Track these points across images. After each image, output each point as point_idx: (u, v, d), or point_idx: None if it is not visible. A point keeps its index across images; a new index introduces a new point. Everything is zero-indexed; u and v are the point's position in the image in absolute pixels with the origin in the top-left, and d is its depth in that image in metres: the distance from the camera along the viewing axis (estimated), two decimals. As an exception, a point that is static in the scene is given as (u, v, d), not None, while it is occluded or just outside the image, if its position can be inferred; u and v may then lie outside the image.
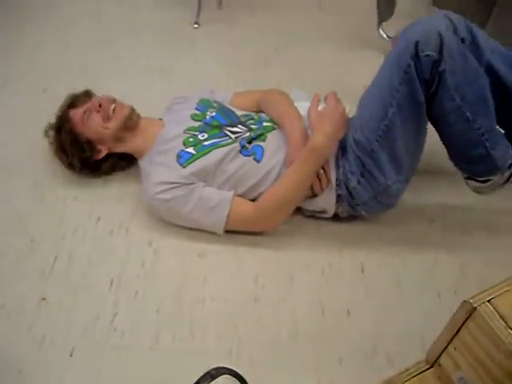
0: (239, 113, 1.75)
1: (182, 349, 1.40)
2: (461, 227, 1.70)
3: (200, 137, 1.63)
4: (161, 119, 1.78)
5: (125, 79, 2.21)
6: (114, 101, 1.70)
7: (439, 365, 1.07)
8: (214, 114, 1.70)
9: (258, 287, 1.53)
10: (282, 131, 1.63)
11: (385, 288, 1.54)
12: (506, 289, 0.90)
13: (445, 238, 1.66)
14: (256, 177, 1.59)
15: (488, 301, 0.89)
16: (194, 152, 1.59)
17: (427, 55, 1.33)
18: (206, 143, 1.61)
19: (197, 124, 1.67)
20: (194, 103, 1.76)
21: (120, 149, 1.72)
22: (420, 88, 1.37)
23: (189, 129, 1.65)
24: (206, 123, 1.67)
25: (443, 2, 2.53)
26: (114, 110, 1.67)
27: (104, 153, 1.71)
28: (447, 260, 1.60)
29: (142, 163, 1.69)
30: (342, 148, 1.56)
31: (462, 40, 1.47)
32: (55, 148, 1.73)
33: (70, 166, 1.73)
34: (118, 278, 1.54)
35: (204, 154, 1.58)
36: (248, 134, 1.64)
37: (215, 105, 1.75)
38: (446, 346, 1.02)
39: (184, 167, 1.57)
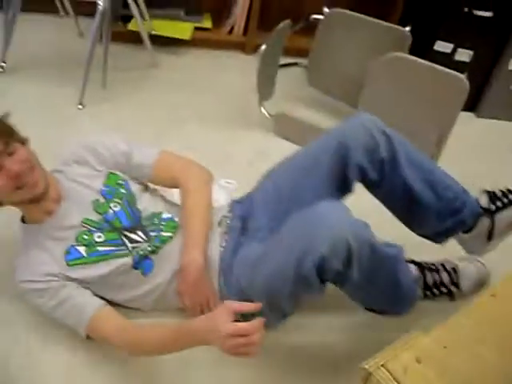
0: (144, 212, 1.55)
1: None
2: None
3: (96, 237, 1.45)
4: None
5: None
6: (32, 170, 1.38)
7: (340, 434, 1.08)
8: (117, 208, 1.50)
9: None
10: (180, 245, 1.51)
11: (279, 361, 1.54)
12: (397, 351, 0.94)
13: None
14: (138, 290, 1.50)
15: (382, 365, 0.92)
16: (84, 254, 1.43)
17: (332, 269, 1.23)
18: (100, 249, 1.45)
19: (97, 218, 1.48)
20: (102, 177, 1.53)
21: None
22: (319, 289, 1.31)
23: (87, 222, 1.47)
24: (106, 220, 1.49)
25: (319, 83, 2.74)
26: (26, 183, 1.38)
27: None
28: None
29: (28, 234, 1.49)
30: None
31: (381, 162, 1.47)
32: None
33: None
34: None
35: (94, 262, 1.43)
36: (145, 245, 1.49)
37: (122, 192, 1.53)
38: (346, 415, 1.03)
39: (68, 266, 1.42)
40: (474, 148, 2.60)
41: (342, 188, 1.52)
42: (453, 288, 1.54)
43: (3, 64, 2.68)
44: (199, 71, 3.01)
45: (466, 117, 2.72)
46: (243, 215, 1.59)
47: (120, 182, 1.56)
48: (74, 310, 1.42)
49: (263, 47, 2.34)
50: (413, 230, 1.64)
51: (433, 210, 1.55)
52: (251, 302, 1.23)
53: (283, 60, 2.79)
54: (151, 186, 1.68)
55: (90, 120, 2.45)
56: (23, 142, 1.42)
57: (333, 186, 1.51)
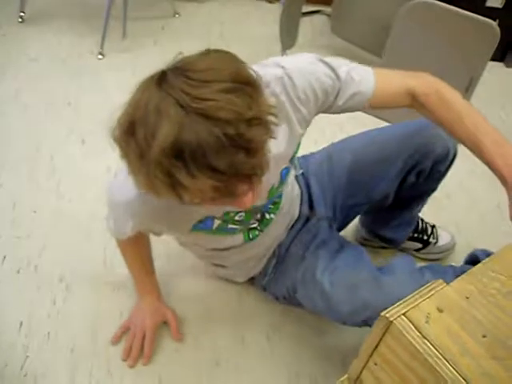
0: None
1: (99, 389, 1.34)
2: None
3: (237, 216, 1.19)
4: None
5: (28, 113, 2.13)
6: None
7: (361, 381, 1.09)
8: (281, 193, 1.27)
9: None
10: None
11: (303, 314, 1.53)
12: (419, 301, 0.94)
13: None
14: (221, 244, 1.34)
15: (403, 314, 0.92)
16: (214, 228, 1.18)
17: None
18: (230, 226, 1.21)
19: (260, 203, 1.21)
20: (294, 147, 1.16)
21: None
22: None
23: None
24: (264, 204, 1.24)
25: (342, 31, 2.67)
26: None
27: None
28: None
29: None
30: None
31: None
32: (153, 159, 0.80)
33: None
34: (27, 320, 1.46)
35: (214, 235, 1.22)
36: (255, 225, 1.29)
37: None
38: (367, 362, 1.04)
39: (190, 231, 1.17)
40: (501, 98, 2.54)
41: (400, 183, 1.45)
42: (431, 239, 1.71)
43: (22, 14, 2.66)
44: (221, 20, 2.95)
45: (495, 66, 2.64)
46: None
47: (297, 155, 1.22)
48: (117, 225, 1.23)
49: (286, -6, 2.28)
50: (374, 229, 1.68)
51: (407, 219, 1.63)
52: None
53: (306, 8, 2.73)
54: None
55: (109, 70, 2.43)
56: None
57: (395, 183, 1.44)
